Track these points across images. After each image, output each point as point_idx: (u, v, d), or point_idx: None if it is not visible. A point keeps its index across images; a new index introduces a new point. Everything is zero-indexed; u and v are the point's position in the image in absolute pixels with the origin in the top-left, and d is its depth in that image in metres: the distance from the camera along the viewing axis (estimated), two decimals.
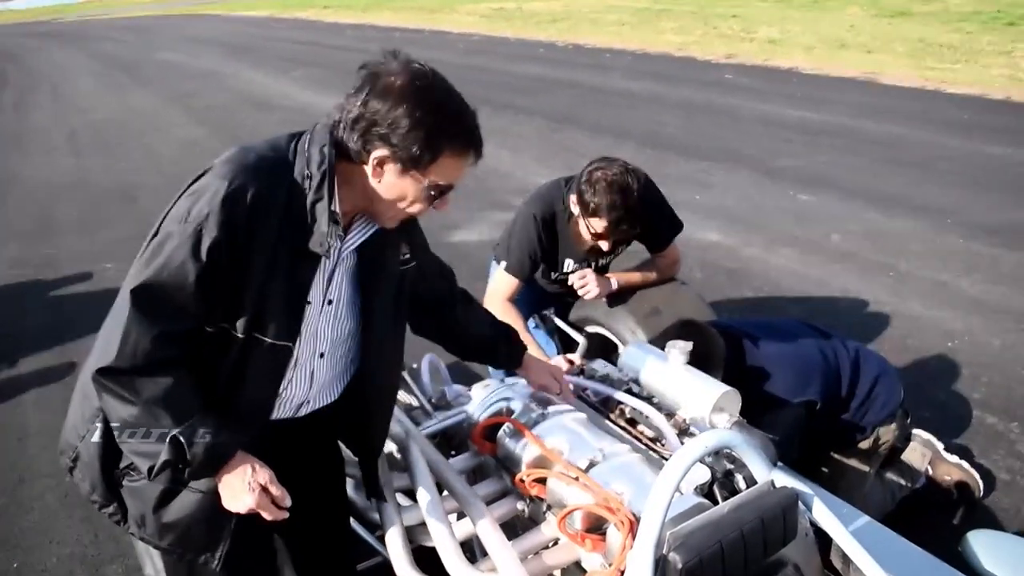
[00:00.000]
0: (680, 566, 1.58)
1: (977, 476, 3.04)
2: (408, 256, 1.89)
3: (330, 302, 1.76)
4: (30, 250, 6.70)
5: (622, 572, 1.68)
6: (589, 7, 24.85)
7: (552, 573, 1.99)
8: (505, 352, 2.28)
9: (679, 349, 2.27)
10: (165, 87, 15.86)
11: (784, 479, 1.84)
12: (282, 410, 1.83)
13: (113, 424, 1.56)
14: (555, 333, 3.44)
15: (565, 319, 3.42)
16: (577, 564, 1.98)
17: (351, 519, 2.48)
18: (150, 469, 1.55)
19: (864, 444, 2.86)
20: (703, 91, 11.85)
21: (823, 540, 1.94)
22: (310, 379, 1.81)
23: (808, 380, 2.70)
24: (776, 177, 7.46)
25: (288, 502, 1.63)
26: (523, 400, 2.30)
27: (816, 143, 8.65)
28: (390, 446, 2.55)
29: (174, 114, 12.86)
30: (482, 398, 2.39)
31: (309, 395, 1.85)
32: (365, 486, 2.08)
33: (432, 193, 1.64)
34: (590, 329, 3.27)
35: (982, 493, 3.05)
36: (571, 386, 2.51)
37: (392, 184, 1.61)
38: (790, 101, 10.80)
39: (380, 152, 1.56)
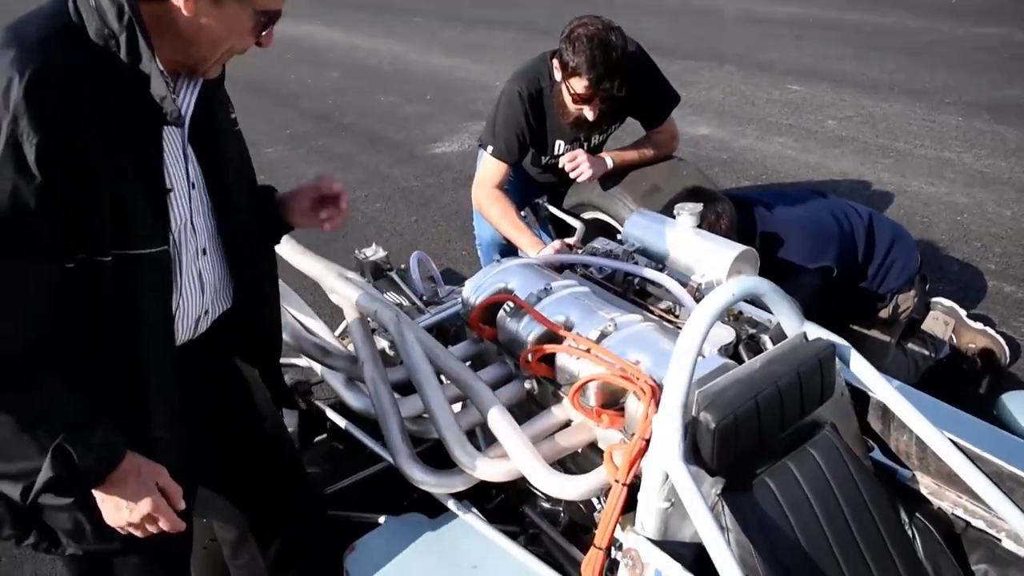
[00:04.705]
0: (713, 425, 1.40)
1: (1003, 342, 2.89)
2: (235, 115, 1.56)
3: (193, 186, 1.44)
4: None
5: (647, 441, 1.51)
6: None
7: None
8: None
9: (688, 211, 2.08)
10: None
11: (817, 331, 1.66)
12: (181, 332, 1.48)
13: None
14: (549, 222, 3.23)
15: (558, 209, 3.21)
16: (592, 445, 1.82)
17: (353, 425, 2.33)
18: (25, 491, 1.22)
19: (883, 313, 2.70)
20: None
21: (858, 401, 1.78)
22: (199, 283, 1.49)
23: (824, 246, 2.52)
24: (764, 70, 7.21)
25: (182, 505, 1.36)
26: (523, 278, 2.11)
27: (803, 35, 8.37)
28: (381, 343, 2.37)
29: None
30: (476, 283, 2.19)
31: (205, 304, 1.52)
32: (273, 396, 1.83)
33: (259, 20, 1.33)
34: (586, 216, 3.07)
35: (1008, 360, 2.91)
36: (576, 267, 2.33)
37: (210, 17, 1.27)
38: None
39: None
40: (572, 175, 2.84)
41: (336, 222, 1.68)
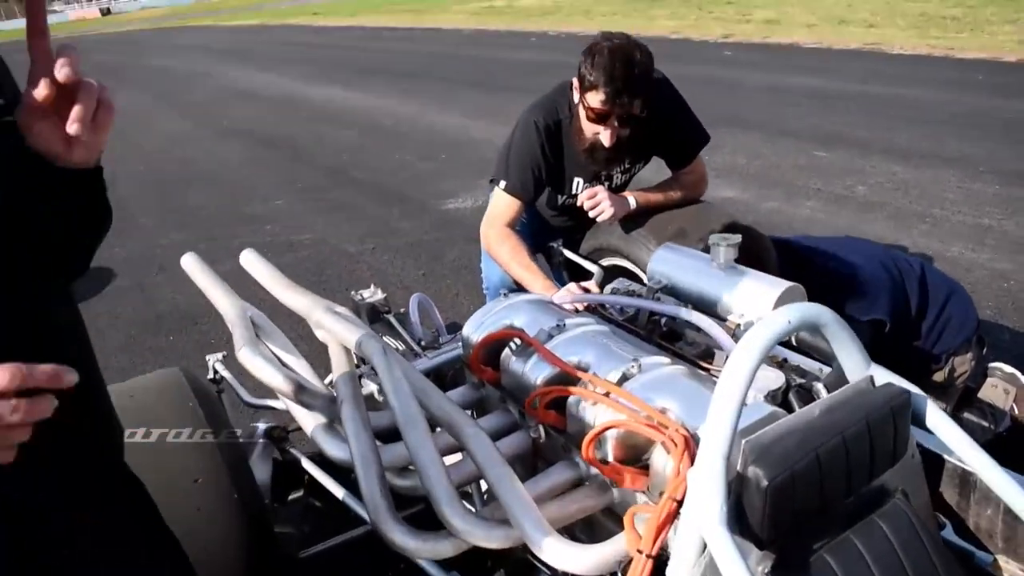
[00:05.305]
0: (765, 483, 1.11)
1: None
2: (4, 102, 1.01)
3: None
4: None
5: (678, 503, 1.21)
6: (580, 1, 24.42)
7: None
8: None
9: (727, 243, 1.81)
10: (154, 89, 15.48)
11: (885, 376, 1.38)
12: None
13: None
14: (564, 268, 2.95)
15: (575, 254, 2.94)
16: (609, 510, 1.52)
17: (330, 478, 2.03)
18: None
19: (939, 376, 2.40)
20: (702, 67, 11.40)
21: (928, 467, 1.49)
22: None
23: (875, 297, 2.25)
24: (789, 137, 7.03)
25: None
26: (532, 315, 1.84)
27: (827, 106, 8.21)
28: (370, 386, 2.10)
29: (160, 111, 12.47)
30: (479, 319, 1.91)
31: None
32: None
33: None
34: (605, 262, 2.81)
35: None
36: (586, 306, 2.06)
37: None
38: (795, 71, 10.37)
39: None
40: (592, 214, 2.58)
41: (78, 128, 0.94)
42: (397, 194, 6.34)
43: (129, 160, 8.70)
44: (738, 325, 1.71)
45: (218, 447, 1.80)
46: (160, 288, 4.84)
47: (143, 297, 4.75)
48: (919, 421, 1.38)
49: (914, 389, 1.36)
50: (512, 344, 1.70)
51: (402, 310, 2.75)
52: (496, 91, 10.49)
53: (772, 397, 1.42)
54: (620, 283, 2.15)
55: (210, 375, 2.34)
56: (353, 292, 2.79)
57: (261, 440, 2.14)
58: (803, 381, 1.54)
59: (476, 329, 1.87)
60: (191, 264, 2.23)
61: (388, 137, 8.58)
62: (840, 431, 1.20)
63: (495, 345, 1.75)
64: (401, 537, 1.41)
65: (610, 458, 1.42)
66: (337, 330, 1.80)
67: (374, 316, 2.72)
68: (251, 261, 2.26)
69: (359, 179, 6.99)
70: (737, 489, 1.16)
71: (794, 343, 1.68)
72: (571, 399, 1.52)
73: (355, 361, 2.01)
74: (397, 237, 5.30)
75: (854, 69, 10.22)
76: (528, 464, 1.68)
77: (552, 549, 1.31)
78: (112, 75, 18.21)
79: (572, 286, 2.23)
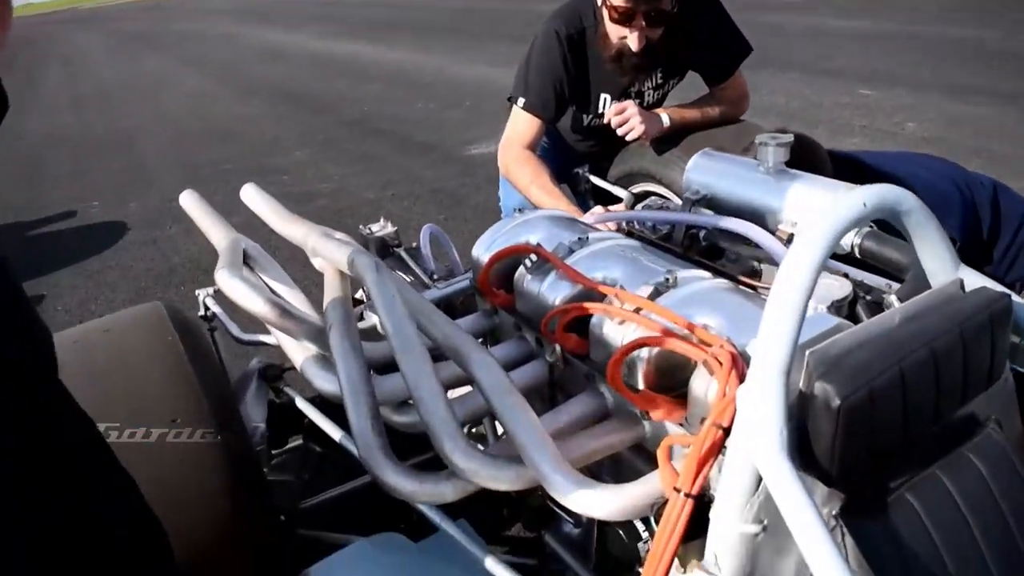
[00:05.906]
0: (837, 402, 0.88)
1: None
2: None
3: None
4: (16, 195, 6.15)
5: (725, 430, 0.98)
6: None
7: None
8: None
9: (776, 143, 1.56)
10: (179, 52, 15.40)
11: (978, 280, 1.13)
12: None
13: None
14: (591, 196, 2.70)
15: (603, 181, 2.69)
16: (639, 447, 1.29)
17: (326, 419, 1.81)
18: None
19: None
20: (738, 12, 10.92)
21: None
22: None
23: (945, 214, 1.96)
24: (831, 76, 6.69)
25: None
26: (550, 230, 1.61)
27: (871, 46, 7.82)
28: (373, 319, 1.89)
29: (185, 72, 12.34)
30: (490, 237, 1.68)
31: None
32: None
33: None
34: (636, 189, 2.56)
35: None
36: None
37: None
38: (837, 14, 9.93)
39: None
40: (620, 132, 2.33)
41: None
42: (420, 143, 6.13)
43: (149, 118, 8.58)
44: (791, 235, 1.46)
45: (201, 385, 1.59)
46: (174, 240, 4.69)
47: (156, 250, 4.60)
48: (1019, 335, 1.13)
49: (1015, 296, 1.11)
50: (527, 261, 1.46)
51: (414, 244, 2.52)
52: (523, 42, 10.15)
53: (836, 308, 1.18)
54: (652, 200, 1.91)
55: (201, 311, 2.15)
56: (361, 226, 2.58)
57: (255, 380, 1.95)
58: (870, 297, 1.30)
59: (487, 249, 1.64)
60: (189, 200, 2.06)
61: (413, 89, 8.35)
62: (927, 342, 0.96)
63: (508, 264, 1.53)
64: (395, 477, 1.20)
65: (640, 384, 1.19)
66: (329, 252, 1.59)
67: (384, 250, 2.50)
68: (251, 195, 2.09)
69: (382, 129, 6.78)
70: (799, 412, 0.93)
71: (856, 254, 1.43)
72: (595, 318, 1.29)
73: (351, 289, 1.81)
74: (419, 184, 5.09)
75: (899, 10, 9.77)
76: (546, 397, 1.47)
77: (573, 491, 1.09)
78: (142, 43, 18.15)
79: (598, 209, 2.00)
